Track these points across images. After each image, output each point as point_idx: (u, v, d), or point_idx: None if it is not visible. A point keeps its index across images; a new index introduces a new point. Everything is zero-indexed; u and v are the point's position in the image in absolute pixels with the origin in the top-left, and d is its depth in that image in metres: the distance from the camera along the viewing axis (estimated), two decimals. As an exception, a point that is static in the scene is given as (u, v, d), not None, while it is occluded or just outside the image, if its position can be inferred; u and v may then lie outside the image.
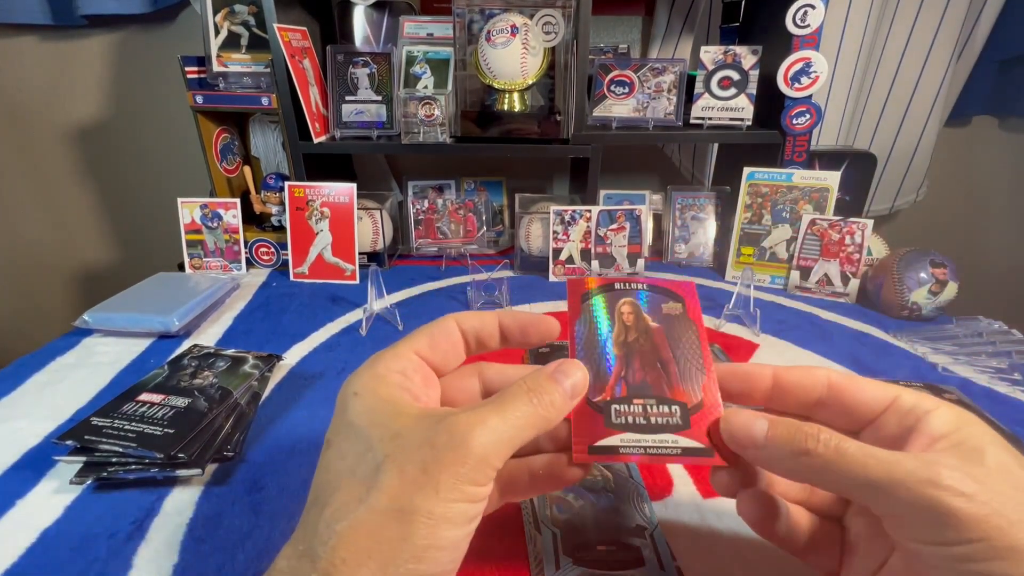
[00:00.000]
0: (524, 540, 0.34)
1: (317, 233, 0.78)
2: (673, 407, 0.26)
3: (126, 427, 0.41)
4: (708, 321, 0.66)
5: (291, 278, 0.79)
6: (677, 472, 0.40)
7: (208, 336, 0.62)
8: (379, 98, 0.82)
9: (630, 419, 0.26)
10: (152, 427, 0.41)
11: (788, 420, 0.24)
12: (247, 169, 0.86)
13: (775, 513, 0.27)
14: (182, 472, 0.39)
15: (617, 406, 0.26)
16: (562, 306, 0.70)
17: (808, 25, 0.73)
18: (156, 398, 0.45)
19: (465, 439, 0.21)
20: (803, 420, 0.24)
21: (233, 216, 0.80)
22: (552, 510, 0.35)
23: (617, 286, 0.30)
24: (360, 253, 0.79)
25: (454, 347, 0.28)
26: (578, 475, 0.27)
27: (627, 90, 0.83)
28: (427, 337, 0.27)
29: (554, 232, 0.77)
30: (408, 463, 0.21)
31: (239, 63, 0.81)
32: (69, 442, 0.40)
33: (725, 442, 0.25)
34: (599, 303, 0.30)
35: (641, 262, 0.78)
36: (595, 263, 0.78)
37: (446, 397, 0.28)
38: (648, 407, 0.26)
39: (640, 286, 0.30)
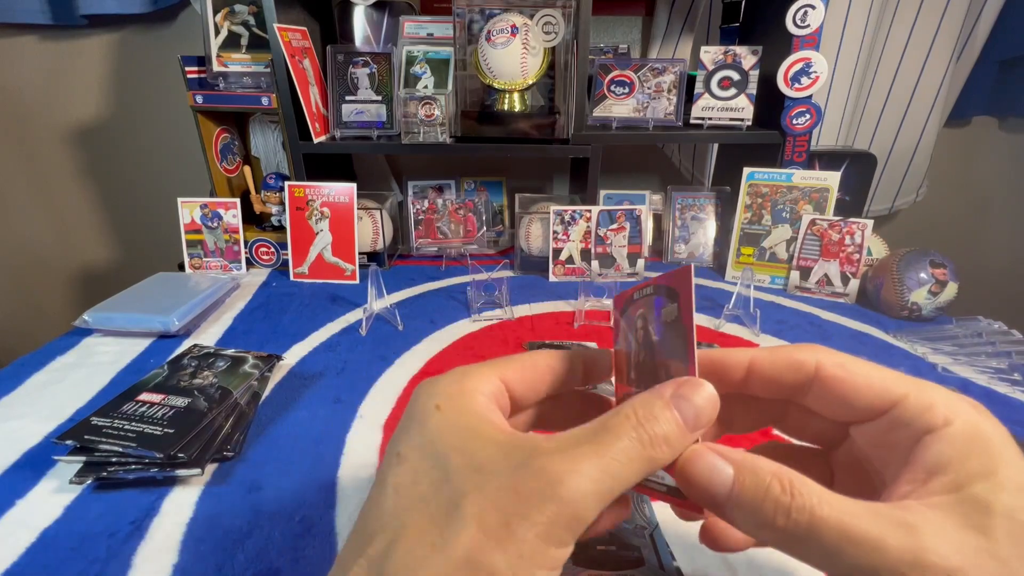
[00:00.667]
0: None
1: (317, 233, 0.78)
2: None
3: (126, 427, 0.41)
4: (708, 321, 0.66)
5: (291, 278, 0.79)
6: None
7: (208, 336, 0.62)
8: (379, 98, 0.82)
9: None
10: (152, 427, 0.41)
11: (759, 471, 0.19)
12: (247, 169, 0.86)
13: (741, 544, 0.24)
14: (182, 472, 0.39)
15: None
16: (562, 306, 0.70)
17: (808, 25, 0.73)
18: (156, 398, 0.45)
19: (556, 491, 0.18)
20: (784, 406, 0.22)
21: (233, 216, 0.80)
22: None
23: (635, 295, 0.26)
24: (360, 253, 0.79)
25: (537, 384, 0.25)
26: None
27: (627, 90, 0.83)
28: (518, 366, 0.24)
29: (554, 232, 0.77)
30: (490, 510, 0.18)
31: (239, 63, 0.81)
32: (69, 442, 0.40)
33: (682, 490, 0.20)
34: (624, 315, 0.27)
35: (641, 262, 0.78)
36: (595, 263, 0.78)
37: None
38: None
39: (649, 290, 0.25)
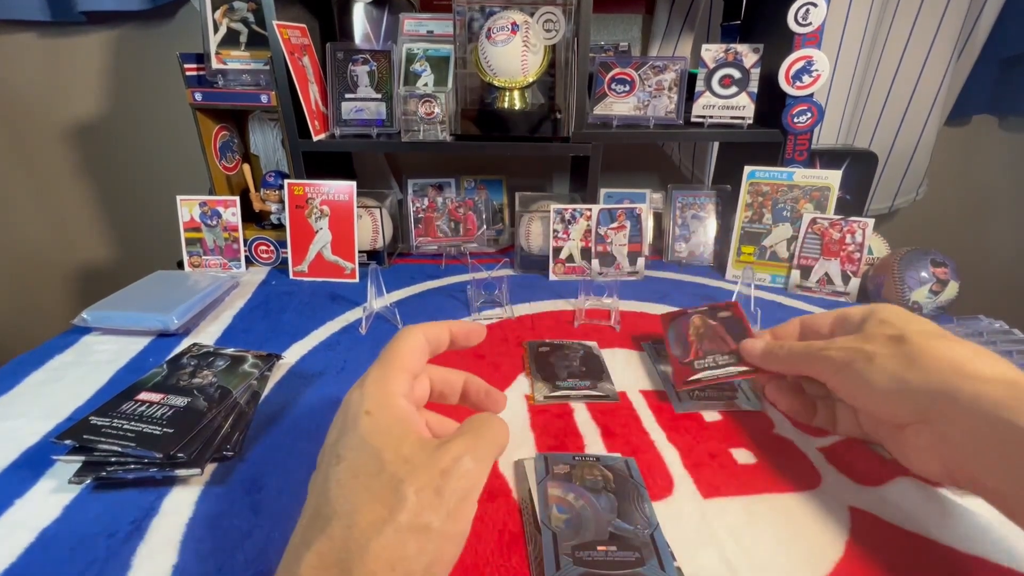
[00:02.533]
0: (524, 541, 0.34)
1: (317, 231, 0.78)
2: (730, 356, 0.48)
3: (125, 426, 0.41)
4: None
5: (291, 276, 0.79)
6: (677, 472, 0.40)
7: (207, 335, 0.62)
8: (379, 96, 0.81)
9: (707, 364, 0.48)
10: (151, 426, 0.41)
11: (770, 341, 0.45)
12: (246, 167, 0.86)
13: (788, 394, 0.45)
14: (181, 472, 0.39)
15: (698, 361, 0.49)
16: (562, 304, 0.70)
17: (810, 23, 0.73)
18: (155, 397, 0.45)
19: (467, 465, 0.26)
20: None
21: (232, 214, 0.80)
22: (552, 510, 0.35)
23: (689, 310, 0.55)
24: (360, 251, 0.78)
25: (423, 358, 0.34)
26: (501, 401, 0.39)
27: (628, 88, 0.82)
28: (411, 356, 0.32)
29: (554, 231, 0.77)
30: (423, 487, 0.25)
31: (238, 60, 0.81)
32: (68, 441, 0.40)
33: (743, 357, 0.47)
34: (674, 324, 0.55)
35: (641, 261, 0.78)
36: (595, 262, 0.78)
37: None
38: (716, 358, 0.48)
39: (703, 308, 0.55)
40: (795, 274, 0.75)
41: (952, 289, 0.63)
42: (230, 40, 0.81)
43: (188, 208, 0.79)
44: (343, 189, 0.77)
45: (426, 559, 0.23)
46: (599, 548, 0.32)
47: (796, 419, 0.45)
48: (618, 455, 0.41)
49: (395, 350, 0.32)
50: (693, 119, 0.83)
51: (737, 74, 0.80)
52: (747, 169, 0.77)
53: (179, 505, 0.37)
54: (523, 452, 0.42)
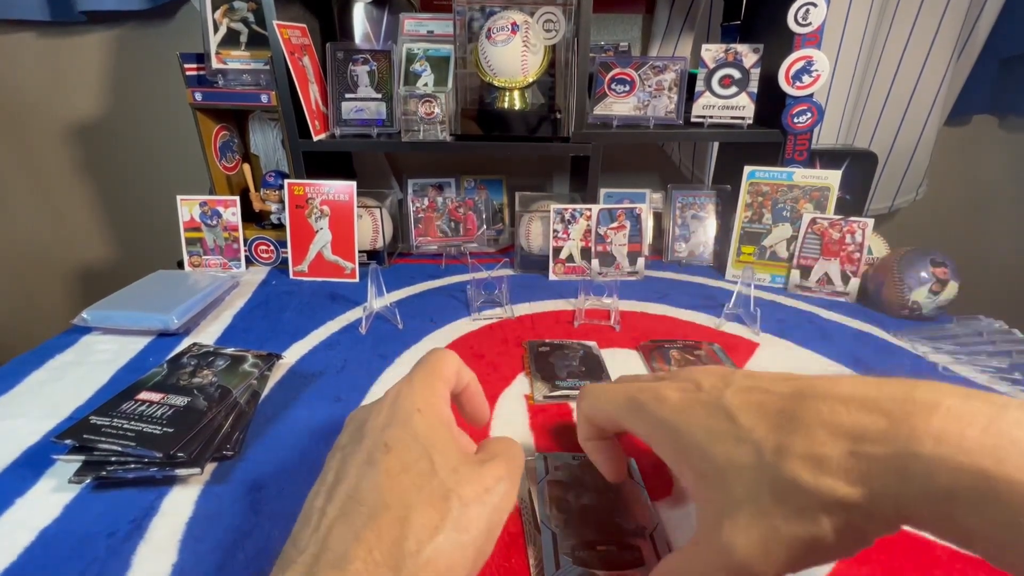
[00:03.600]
0: (523, 540, 0.34)
1: (317, 231, 0.78)
2: None
3: (125, 426, 0.41)
4: (709, 320, 0.66)
5: (291, 276, 0.79)
6: (678, 472, 0.40)
7: (207, 334, 0.62)
8: (379, 96, 0.82)
9: None
10: (151, 426, 0.41)
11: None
12: (246, 167, 0.86)
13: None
14: (181, 471, 0.39)
15: None
16: (562, 304, 0.70)
17: (810, 23, 0.73)
18: (155, 397, 0.45)
19: (502, 488, 0.27)
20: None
21: (232, 214, 0.80)
22: (552, 509, 0.35)
23: (666, 344, 0.58)
24: (360, 251, 0.78)
25: (454, 379, 0.33)
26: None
27: (628, 88, 0.82)
28: (447, 368, 0.32)
29: (554, 231, 0.77)
30: (471, 502, 0.25)
31: (238, 60, 0.81)
32: (68, 441, 0.40)
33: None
34: (652, 357, 0.55)
35: (641, 261, 0.78)
36: (595, 262, 0.78)
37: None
38: None
39: (680, 344, 0.57)
40: (795, 274, 0.75)
41: (952, 289, 0.63)
42: (230, 40, 0.81)
43: (188, 208, 0.79)
44: (343, 189, 0.77)
45: (464, 572, 0.24)
46: (599, 547, 0.32)
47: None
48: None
49: (436, 362, 0.32)
50: (693, 119, 0.83)
51: (737, 74, 0.80)
52: (747, 169, 0.77)
53: (179, 504, 0.37)
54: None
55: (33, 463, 0.41)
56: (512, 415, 0.47)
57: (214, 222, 0.80)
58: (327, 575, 0.21)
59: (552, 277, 0.78)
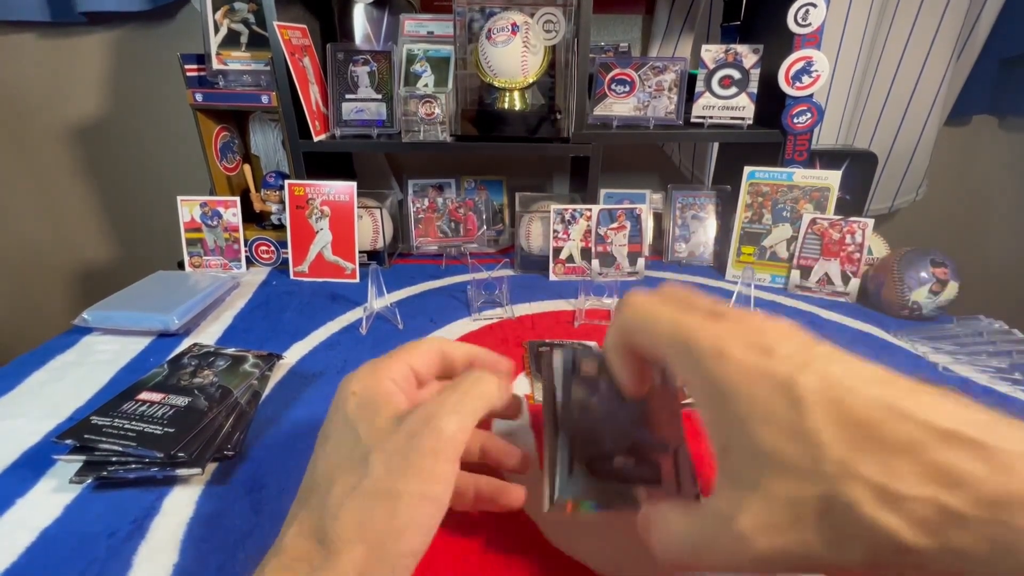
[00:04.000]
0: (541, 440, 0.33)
1: (317, 232, 0.78)
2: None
3: (126, 426, 0.41)
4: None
5: (291, 277, 0.79)
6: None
7: (208, 335, 0.62)
8: (379, 96, 0.82)
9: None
10: (152, 426, 0.41)
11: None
12: (247, 167, 0.86)
13: None
14: (182, 471, 0.39)
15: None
16: (562, 305, 0.70)
17: (809, 24, 0.73)
18: (156, 397, 0.45)
19: (437, 423, 0.25)
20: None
21: (233, 214, 0.80)
22: (575, 412, 0.32)
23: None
24: (360, 252, 0.78)
25: (433, 366, 0.32)
26: (514, 505, 0.32)
27: (628, 89, 0.82)
28: (419, 353, 0.31)
29: (554, 231, 0.77)
30: (392, 453, 0.25)
31: (239, 61, 0.81)
32: (69, 441, 0.40)
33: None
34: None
35: (641, 261, 0.78)
36: (595, 262, 0.78)
37: None
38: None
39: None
40: (795, 274, 0.75)
41: (952, 289, 0.63)
42: (231, 41, 0.81)
43: (189, 208, 0.79)
44: (343, 189, 0.77)
45: (398, 523, 0.24)
46: (616, 459, 0.30)
47: None
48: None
49: (403, 346, 0.32)
50: (693, 119, 0.83)
51: (737, 75, 0.80)
52: (747, 169, 0.77)
53: (180, 504, 0.37)
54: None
55: (34, 463, 0.41)
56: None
57: (215, 223, 0.80)
58: (271, 563, 0.24)
59: (552, 277, 0.78)
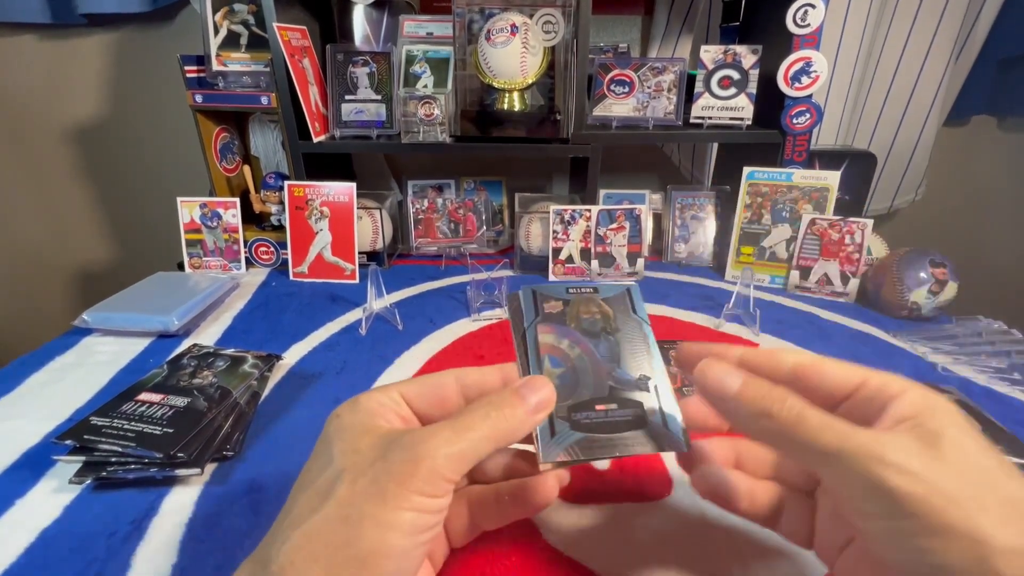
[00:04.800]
0: None
1: (317, 232, 0.78)
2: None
3: (125, 427, 0.41)
4: (708, 321, 0.66)
5: (291, 277, 0.79)
6: (675, 472, 0.40)
7: (207, 336, 0.62)
8: (379, 97, 0.82)
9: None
10: (151, 427, 0.41)
11: (761, 381, 0.24)
12: (247, 168, 0.86)
13: (729, 487, 0.29)
14: (181, 472, 0.39)
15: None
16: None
17: (808, 24, 0.73)
18: (155, 398, 0.45)
19: (416, 451, 0.23)
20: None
21: (232, 215, 0.80)
22: (545, 363, 0.29)
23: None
24: (360, 252, 0.78)
25: (444, 401, 0.28)
26: (545, 502, 0.29)
27: (627, 89, 0.82)
28: (418, 385, 0.28)
29: (554, 232, 0.77)
30: (361, 475, 0.23)
31: (238, 62, 0.81)
32: (68, 441, 0.40)
33: (698, 388, 0.26)
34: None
35: (641, 261, 0.78)
36: (595, 262, 0.78)
37: None
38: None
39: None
40: (794, 275, 0.75)
41: (951, 289, 0.63)
42: (230, 42, 0.81)
43: (188, 210, 0.79)
44: (343, 190, 0.77)
45: (359, 551, 0.21)
46: (598, 408, 0.28)
47: (750, 520, 0.30)
48: (621, 284, 0.34)
49: (403, 380, 0.29)
50: (692, 120, 0.83)
51: (736, 75, 0.80)
52: (746, 170, 0.77)
53: (179, 505, 0.37)
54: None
55: (33, 464, 0.41)
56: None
57: (214, 224, 0.80)
58: None
59: (552, 278, 0.78)
